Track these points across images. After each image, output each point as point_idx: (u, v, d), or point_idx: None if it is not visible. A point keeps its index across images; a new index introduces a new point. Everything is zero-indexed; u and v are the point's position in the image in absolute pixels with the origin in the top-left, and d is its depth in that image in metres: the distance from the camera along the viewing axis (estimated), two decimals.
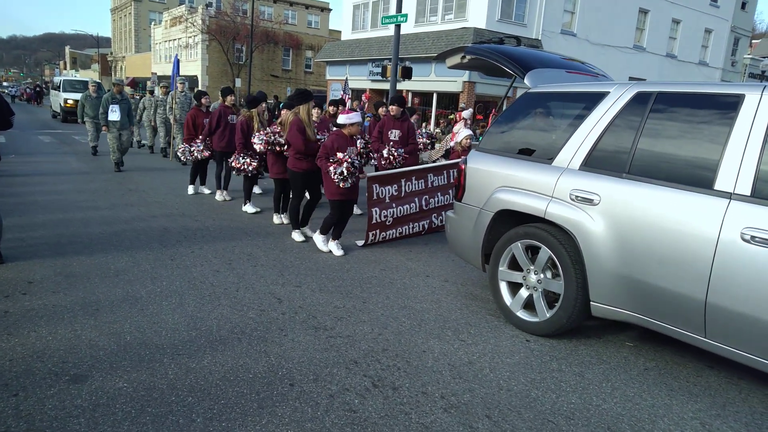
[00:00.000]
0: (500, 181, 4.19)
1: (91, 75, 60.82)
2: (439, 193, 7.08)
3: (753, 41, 40.55)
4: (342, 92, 20.08)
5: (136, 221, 6.74)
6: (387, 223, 6.45)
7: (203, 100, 8.85)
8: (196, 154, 8.45)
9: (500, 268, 4.19)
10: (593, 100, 3.83)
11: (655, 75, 25.62)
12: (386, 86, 23.01)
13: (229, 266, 5.22)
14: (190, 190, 8.88)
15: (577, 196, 3.64)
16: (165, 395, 2.93)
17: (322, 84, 41.48)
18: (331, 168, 5.53)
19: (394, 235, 6.57)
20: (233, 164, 7.31)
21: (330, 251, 5.91)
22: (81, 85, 23.63)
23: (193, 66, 40.14)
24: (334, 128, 5.97)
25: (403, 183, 6.62)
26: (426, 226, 6.95)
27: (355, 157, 5.64)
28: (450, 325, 4.12)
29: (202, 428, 2.67)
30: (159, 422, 2.69)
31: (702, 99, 3.30)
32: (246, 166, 7.13)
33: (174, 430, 2.64)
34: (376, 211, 6.32)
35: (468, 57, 4.91)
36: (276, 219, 7.17)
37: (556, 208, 3.74)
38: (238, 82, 35.07)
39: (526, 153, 4.16)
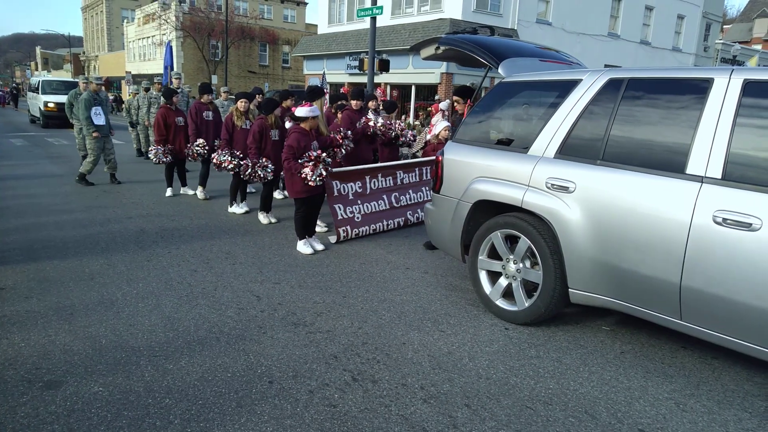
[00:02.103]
0: (477, 171, 4.19)
1: (64, 75, 59.59)
2: (410, 191, 7.07)
3: (724, 26, 41.18)
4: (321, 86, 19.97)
5: (112, 223, 6.63)
6: (356, 219, 6.40)
7: (174, 99, 8.58)
8: (167, 158, 8.22)
9: (480, 258, 4.20)
10: (566, 88, 3.84)
11: (630, 62, 25.88)
12: (364, 79, 22.94)
13: (206, 265, 5.16)
14: (168, 192, 8.60)
15: (552, 185, 3.65)
16: (141, 398, 2.89)
17: (301, 79, 41.16)
18: (308, 170, 5.36)
19: (368, 232, 6.51)
20: (214, 161, 7.06)
21: (316, 251, 5.78)
22: (63, 86, 21.36)
23: None
24: (293, 123, 5.74)
25: (368, 180, 6.58)
26: (402, 222, 6.92)
27: (322, 153, 5.51)
28: (430, 317, 4.13)
29: (179, 430, 2.64)
30: (136, 425, 2.65)
31: (672, 84, 3.33)
32: (226, 164, 6.92)
33: None
34: (339, 207, 6.26)
35: (442, 48, 4.90)
36: (263, 218, 7.02)
37: (532, 197, 3.75)
38: (215, 79, 34.63)
39: (502, 143, 4.17)
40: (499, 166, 4.05)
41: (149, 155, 8.48)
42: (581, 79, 3.78)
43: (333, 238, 6.25)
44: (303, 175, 5.37)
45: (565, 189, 3.59)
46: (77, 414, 2.72)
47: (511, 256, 4.00)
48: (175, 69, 11.69)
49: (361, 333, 3.80)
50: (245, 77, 41.37)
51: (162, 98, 9.06)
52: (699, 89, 3.20)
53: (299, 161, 5.40)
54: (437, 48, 5.00)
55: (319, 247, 5.84)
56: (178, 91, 11.09)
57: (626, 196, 3.30)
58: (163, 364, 3.26)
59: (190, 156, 7.89)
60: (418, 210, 7.11)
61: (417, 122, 20.13)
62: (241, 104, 7.20)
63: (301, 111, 5.54)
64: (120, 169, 11.11)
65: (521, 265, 3.94)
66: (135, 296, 4.31)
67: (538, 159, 3.81)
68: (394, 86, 24.49)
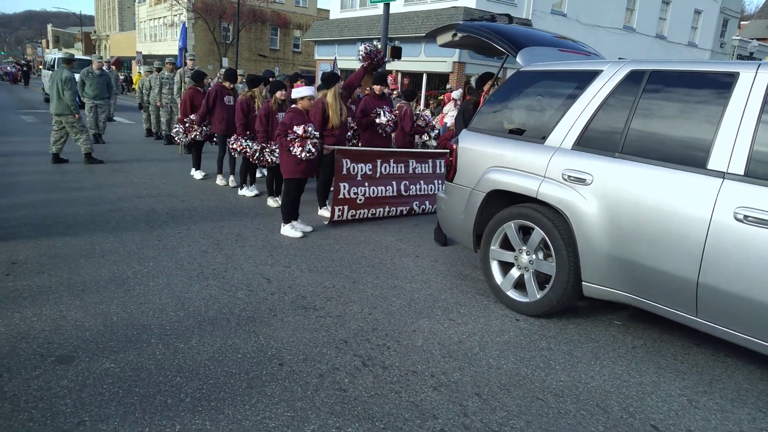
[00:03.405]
0: (492, 161, 4.15)
1: (75, 54, 59.54)
2: (421, 181, 7.02)
3: (741, 23, 40.63)
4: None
5: (122, 201, 6.64)
6: (358, 201, 6.36)
7: (204, 81, 8.48)
8: (193, 136, 8.20)
9: (492, 248, 4.18)
10: (586, 78, 3.79)
11: (644, 56, 25.57)
12: None
13: (217, 247, 5.16)
14: (198, 175, 8.54)
15: (569, 176, 3.61)
16: (153, 375, 2.89)
17: (311, 64, 40.96)
18: (297, 147, 5.35)
19: (366, 215, 6.48)
20: (233, 146, 7.03)
21: (301, 235, 5.70)
22: (79, 64, 21.63)
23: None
24: (292, 105, 5.74)
25: (379, 163, 6.54)
26: (405, 211, 6.89)
27: (313, 131, 5.45)
28: (440, 305, 4.12)
29: (190, 408, 2.64)
30: (147, 402, 2.66)
31: (696, 77, 3.27)
32: (249, 149, 6.88)
33: (162, 409, 2.61)
34: (344, 186, 6.21)
35: (459, 35, 4.84)
36: (272, 202, 7.00)
37: (548, 188, 3.71)
38: (225, 62, 34.54)
39: (518, 132, 4.12)
40: (514, 156, 4.01)
41: (171, 132, 8.44)
42: (602, 70, 3.73)
43: (325, 212, 6.23)
44: (293, 152, 5.38)
45: (582, 181, 3.55)
46: (89, 389, 2.73)
47: (524, 247, 3.97)
48: (189, 50, 11.47)
49: (371, 319, 3.79)
50: (255, 61, 41.22)
51: (190, 80, 9.02)
52: (723, 84, 3.14)
53: (288, 138, 5.40)
54: (454, 35, 4.94)
55: (308, 229, 5.83)
56: (192, 70, 11.06)
57: (645, 189, 3.26)
58: (174, 342, 3.27)
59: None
60: (426, 202, 7.08)
61: (427, 111, 20.02)
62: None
63: (296, 91, 5.54)
64: (130, 149, 11.16)
65: (534, 256, 3.92)
66: (146, 275, 4.31)
67: (555, 150, 3.77)
68: (405, 74, 24.32)
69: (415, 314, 3.92)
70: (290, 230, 5.68)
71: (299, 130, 5.34)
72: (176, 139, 8.37)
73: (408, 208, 6.90)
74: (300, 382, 2.93)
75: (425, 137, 8.86)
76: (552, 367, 3.27)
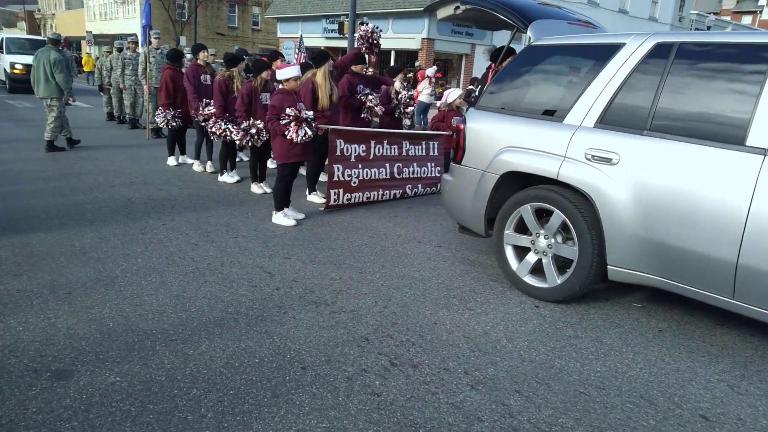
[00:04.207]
0: (505, 141, 3.96)
1: (17, 34, 56.35)
2: (414, 164, 6.79)
3: None
4: (297, 50, 19.22)
5: (95, 191, 6.19)
6: (353, 183, 6.12)
7: (183, 60, 7.93)
8: (176, 122, 7.73)
9: (506, 232, 4.00)
10: (606, 53, 3.61)
11: (607, 30, 25.78)
12: (342, 44, 22.30)
13: (207, 239, 4.83)
14: (171, 161, 8.05)
15: (593, 156, 3.45)
16: (165, 388, 2.62)
17: (272, 42, 39.93)
18: (292, 131, 5.01)
19: (361, 199, 6.24)
20: (212, 129, 6.61)
21: (295, 223, 5.40)
22: (30, 45, 18.63)
23: (131, 23, 37.77)
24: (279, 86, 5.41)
25: (372, 145, 6.28)
26: (398, 194, 6.67)
27: (307, 112, 5.13)
28: (455, 294, 3.93)
29: (214, 424, 2.39)
30: (165, 420, 2.39)
31: (730, 49, 3.12)
32: (229, 133, 6.49)
33: (183, 428, 2.35)
34: (338, 168, 5.95)
35: (463, 8, 4.57)
36: (256, 188, 6.64)
37: (570, 168, 3.54)
38: (183, 41, 33.27)
39: (532, 111, 3.93)
40: (530, 136, 3.82)
41: (156, 119, 7.90)
42: (624, 43, 3.55)
43: (317, 199, 6.06)
44: (288, 137, 5.05)
45: (607, 160, 3.39)
46: (96, 408, 2.44)
47: (542, 231, 3.81)
48: (153, 28, 10.77)
49: (387, 312, 3.58)
50: (213, 39, 39.83)
51: (166, 60, 8.44)
52: (762, 57, 3.00)
53: (281, 122, 5.07)
54: (457, 8, 4.66)
55: (300, 216, 5.56)
56: (157, 50, 10.46)
57: (678, 168, 3.12)
58: (181, 349, 2.98)
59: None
60: (419, 185, 6.87)
61: (398, 84, 19.66)
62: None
63: (281, 72, 5.19)
64: (91, 134, 10.55)
65: (553, 240, 3.76)
66: (136, 273, 3.98)
67: (575, 128, 3.59)
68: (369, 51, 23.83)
69: (432, 305, 3.72)
70: (283, 218, 5.38)
71: (292, 111, 5.02)
72: (162, 125, 7.84)
73: (401, 191, 6.68)
74: (328, 388, 2.71)
75: (407, 121, 8.60)
76: (585, 357, 3.14)
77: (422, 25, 21.89)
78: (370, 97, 6.55)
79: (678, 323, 3.64)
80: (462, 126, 4.27)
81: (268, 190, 6.61)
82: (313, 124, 5.18)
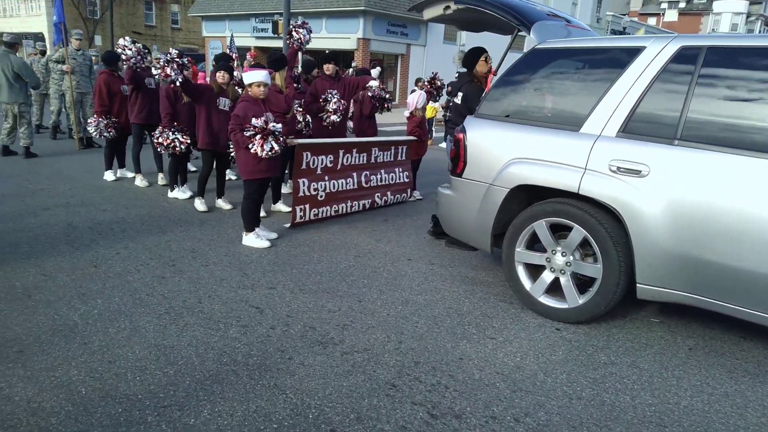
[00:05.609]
0: (513, 152, 3.66)
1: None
2: (382, 171, 6.44)
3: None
4: (229, 50, 18.31)
5: (26, 217, 5.38)
6: (319, 197, 5.68)
7: (119, 64, 7.02)
8: (110, 132, 6.90)
9: (517, 249, 3.71)
10: (624, 57, 3.38)
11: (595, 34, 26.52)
12: (273, 43, 21.55)
13: (174, 269, 4.24)
14: (108, 176, 7.21)
15: (618, 168, 3.21)
16: None
17: (194, 41, 38.30)
18: (257, 145, 4.47)
19: (329, 213, 5.83)
20: (158, 140, 5.91)
21: (269, 245, 4.88)
22: None
23: (36, 21, 34.97)
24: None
25: (341, 154, 5.87)
26: (367, 205, 6.30)
27: (275, 124, 4.59)
28: (468, 320, 3.60)
29: None
30: None
31: (763, 52, 2.97)
32: (178, 144, 5.84)
33: None
34: (303, 182, 5.49)
35: (454, 7, 4.24)
36: (200, 205, 5.95)
37: (593, 181, 3.29)
38: (98, 40, 31.15)
39: (542, 119, 3.66)
40: (542, 146, 3.55)
41: (88, 128, 7.02)
42: (644, 47, 3.34)
43: (281, 206, 5.85)
44: (253, 151, 4.53)
45: (636, 172, 3.16)
46: None
47: (559, 248, 3.55)
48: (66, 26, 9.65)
49: (405, 349, 3.18)
50: (130, 38, 37.57)
51: (102, 63, 7.60)
52: None
53: (245, 134, 4.51)
54: (446, 8, 4.33)
55: (273, 235, 5.07)
56: (78, 51, 9.48)
57: (716, 179, 2.93)
58: (179, 418, 2.46)
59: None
60: (388, 193, 6.52)
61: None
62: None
63: (249, 76, 4.70)
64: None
65: (571, 257, 3.51)
66: (99, 318, 3.36)
67: (595, 138, 3.35)
68: (306, 51, 23.21)
69: (449, 336, 3.37)
70: (255, 240, 4.85)
71: (258, 122, 4.48)
72: (95, 134, 6.95)
73: (370, 201, 6.29)
74: None
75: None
76: (631, 389, 2.89)
77: (357, 24, 21.52)
78: (333, 100, 6.13)
79: (704, 339, 3.49)
80: (461, 135, 3.95)
81: (226, 207, 6.03)
82: (281, 138, 4.65)
